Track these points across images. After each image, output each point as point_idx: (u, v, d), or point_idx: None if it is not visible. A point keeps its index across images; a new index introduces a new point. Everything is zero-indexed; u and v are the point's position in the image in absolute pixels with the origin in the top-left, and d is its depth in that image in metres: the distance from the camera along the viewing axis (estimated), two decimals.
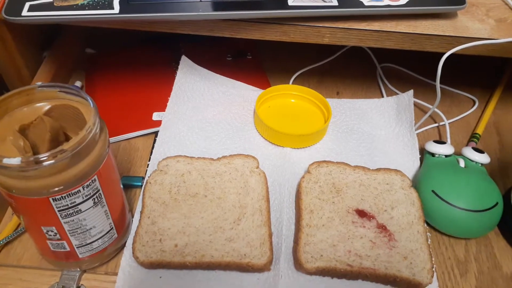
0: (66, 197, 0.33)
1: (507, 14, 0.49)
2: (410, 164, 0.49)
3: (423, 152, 0.50)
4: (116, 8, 0.44)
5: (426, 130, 0.56)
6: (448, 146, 0.48)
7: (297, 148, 0.52)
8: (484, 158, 0.47)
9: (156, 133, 0.51)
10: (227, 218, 0.43)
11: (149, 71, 0.60)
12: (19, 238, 0.43)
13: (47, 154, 0.31)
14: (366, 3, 0.46)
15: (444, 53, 0.46)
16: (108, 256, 0.41)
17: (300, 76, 0.63)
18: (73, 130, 0.35)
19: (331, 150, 0.51)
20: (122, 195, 0.41)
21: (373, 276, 0.40)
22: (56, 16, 0.43)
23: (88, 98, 0.35)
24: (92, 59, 0.63)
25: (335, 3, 0.46)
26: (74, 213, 0.34)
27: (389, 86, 0.61)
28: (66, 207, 0.34)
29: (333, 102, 0.56)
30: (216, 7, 0.45)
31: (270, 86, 0.56)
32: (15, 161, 0.30)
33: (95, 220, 0.36)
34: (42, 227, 0.35)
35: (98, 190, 0.35)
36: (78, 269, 0.40)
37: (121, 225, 0.40)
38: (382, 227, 0.42)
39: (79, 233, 0.36)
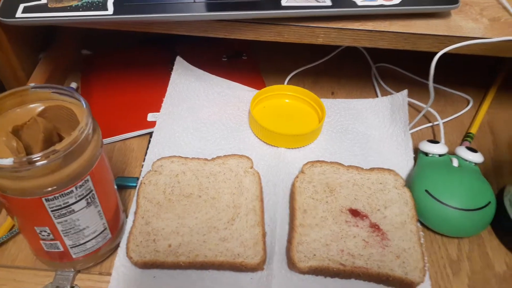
0: (59, 197, 0.33)
1: (501, 13, 0.49)
2: (404, 164, 0.49)
3: (417, 151, 0.50)
4: (110, 9, 0.44)
5: (420, 129, 0.57)
6: (442, 145, 0.48)
7: (292, 148, 0.52)
8: (477, 158, 0.47)
9: (151, 134, 0.52)
10: (221, 218, 0.43)
11: (145, 72, 0.61)
12: (13, 239, 0.43)
13: (39, 154, 0.31)
14: (359, 3, 0.46)
15: (437, 53, 0.46)
16: (102, 256, 0.41)
17: (295, 76, 0.63)
18: (66, 131, 0.35)
19: (325, 150, 0.52)
20: (116, 195, 0.41)
21: (365, 275, 0.40)
22: (50, 18, 0.43)
23: (81, 99, 0.35)
24: (88, 60, 0.63)
25: (329, 3, 0.46)
26: (67, 213, 0.35)
27: (384, 86, 0.62)
28: (59, 207, 0.34)
29: (327, 102, 0.57)
30: (210, 7, 0.45)
31: (265, 87, 0.57)
32: (8, 161, 0.30)
33: (88, 220, 0.36)
34: (36, 228, 0.35)
35: (91, 191, 0.35)
36: (72, 270, 0.40)
37: (115, 225, 0.41)
38: (375, 227, 0.43)
39: (72, 233, 0.36)
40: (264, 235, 0.42)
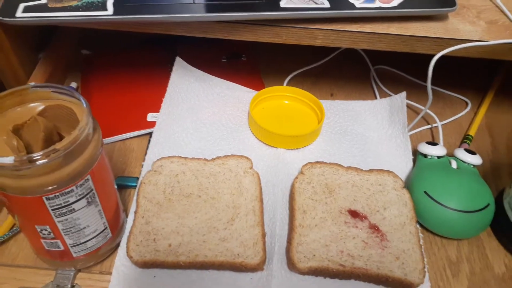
0: (60, 196, 0.33)
1: (498, 16, 0.49)
2: (403, 165, 0.50)
3: (416, 153, 0.51)
4: (110, 9, 0.44)
5: (419, 131, 0.57)
6: (441, 147, 0.49)
7: (291, 149, 0.52)
8: (476, 160, 0.47)
9: (150, 134, 0.52)
10: (220, 218, 0.43)
11: (145, 72, 0.61)
12: (14, 237, 0.43)
13: (40, 153, 0.31)
14: (357, 5, 0.46)
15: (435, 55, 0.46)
16: (102, 255, 0.41)
17: (295, 77, 0.63)
18: (66, 130, 0.35)
19: (324, 151, 0.52)
20: (116, 195, 0.41)
21: (365, 276, 0.40)
22: (50, 18, 0.44)
23: (81, 98, 0.35)
24: (88, 60, 0.63)
25: (327, 5, 0.46)
26: (67, 212, 0.35)
27: (383, 88, 0.62)
28: (60, 206, 0.34)
29: (326, 104, 0.57)
30: (209, 9, 0.45)
31: (264, 88, 0.57)
32: (9, 160, 0.30)
33: (88, 219, 0.37)
34: (36, 226, 0.35)
35: (92, 190, 0.35)
36: (73, 268, 0.40)
37: (115, 224, 0.41)
38: (374, 228, 0.43)
39: (73, 232, 0.36)
40: (263, 235, 0.42)
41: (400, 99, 0.54)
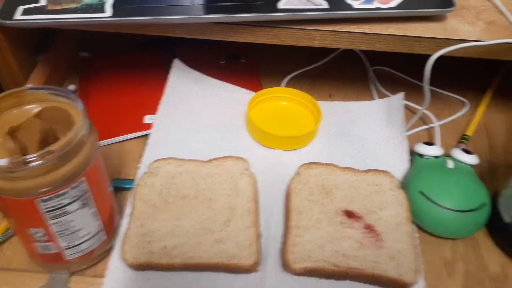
0: (54, 198, 0.33)
1: (497, 17, 0.49)
2: (400, 166, 0.50)
3: (413, 153, 0.50)
4: (109, 11, 0.44)
5: (417, 132, 0.56)
6: (437, 147, 0.48)
7: (288, 150, 0.52)
8: (472, 159, 0.47)
9: (147, 136, 0.52)
10: (216, 219, 0.43)
11: (143, 74, 0.61)
12: (9, 240, 0.43)
13: (35, 155, 0.31)
14: (356, 6, 0.46)
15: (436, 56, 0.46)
16: (96, 258, 0.41)
17: (293, 78, 0.63)
18: (62, 132, 0.35)
19: (321, 152, 0.52)
20: (111, 197, 0.41)
21: (360, 276, 0.40)
22: (49, 20, 0.44)
23: (77, 100, 0.35)
24: (87, 62, 0.63)
25: (325, 6, 0.46)
26: (61, 215, 0.35)
27: (381, 88, 0.62)
28: (54, 208, 0.34)
29: (324, 105, 0.57)
30: (208, 10, 0.45)
31: (262, 89, 0.57)
32: (2, 162, 0.31)
33: (83, 221, 0.37)
34: (30, 229, 0.35)
35: (86, 192, 0.35)
36: (67, 271, 0.40)
37: (110, 227, 0.41)
38: (370, 228, 0.43)
39: (67, 235, 0.36)
40: (259, 236, 0.42)
41: (398, 99, 0.54)
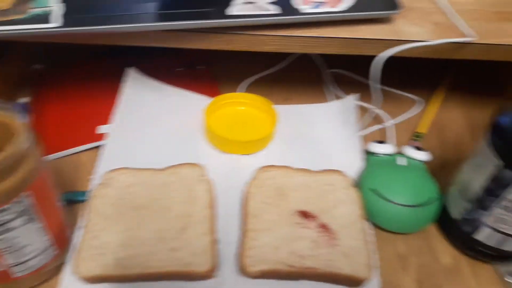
0: None
1: (442, 18, 0.50)
2: (354, 165, 0.51)
3: (367, 152, 0.51)
4: (58, 21, 0.43)
5: (372, 131, 0.57)
6: (389, 145, 0.50)
7: (246, 155, 0.52)
8: (423, 156, 0.49)
9: (102, 147, 0.51)
10: (171, 228, 0.43)
11: (99, 84, 0.60)
12: None
13: None
14: (305, 11, 0.47)
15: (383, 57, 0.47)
16: (48, 273, 0.40)
17: (252, 83, 0.64)
18: (1, 146, 0.34)
19: (278, 155, 0.52)
20: (61, 210, 0.40)
21: (315, 275, 0.40)
22: None
23: (19, 113, 0.35)
24: (41, 75, 0.62)
25: (276, 11, 0.47)
26: (4, 231, 0.34)
27: (337, 91, 0.63)
28: None
29: (281, 108, 0.57)
30: (158, 18, 0.45)
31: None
32: None
33: (29, 237, 0.36)
34: None
35: (31, 207, 0.35)
36: None
37: (61, 241, 0.40)
38: (324, 227, 0.43)
39: (12, 252, 0.35)
40: (215, 242, 0.42)
41: (351, 100, 0.55)
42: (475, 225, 0.43)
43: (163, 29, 0.46)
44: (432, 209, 0.45)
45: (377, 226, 0.47)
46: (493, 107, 0.42)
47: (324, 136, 0.54)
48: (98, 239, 0.42)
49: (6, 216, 0.33)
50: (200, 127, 0.55)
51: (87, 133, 0.53)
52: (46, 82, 0.60)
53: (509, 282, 0.44)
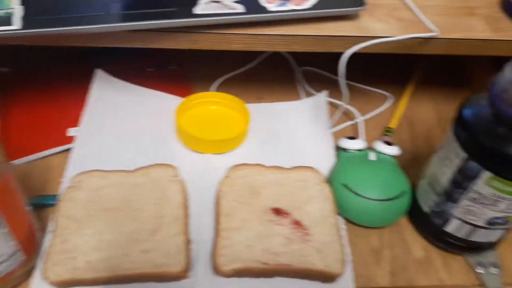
0: None
1: (407, 14, 0.51)
2: (326, 161, 0.51)
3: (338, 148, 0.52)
4: (18, 24, 0.43)
5: (343, 128, 0.58)
6: (359, 141, 0.50)
7: (219, 154, 0.52)
8: (393, 150, 0.49)
9: (71, 149, 0.50)
10: (143, 229, 0.42)
11: (68, 87, 0.59)
12: None
13: None
14: (271, 9, 0.47)
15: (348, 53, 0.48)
16: (17, 279, 0.39)
17: (224, 82, 0.63)
18: None
19: (251, 153, 0.52)
20: (29, 215, 0.39)
21: (288, 271, 0.41)
22: None
23: None
24: (7, 78, 0.61)
25: (241, 10, 0.47)
26: None
27: (310, 88, 0.63)
28: None
29: (253, 107, 0.57)
30: (123, 18, 0.45)
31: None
32: None
33: None
34: None
35: None
36: None
37: (30, 246, 0.39)
38: (297, 223, 0.44)
39: None
40: (188, 242, 0.42)
41: (322, 98, 0.55)
42: (445, 217, 0.44)
43: (127, 30, 0.45)
44: (403, 203, 0.46)
45: (349, 221, 0.47)
46: (460, 100, 0.43)
47: (296, 133, 0.55)
48: (68, 242, 0.41)
49: None
50: (172, 128, 0.54)
51: (56, 136, 0.52)
52: (13, 85, 0.59)
53: (480, 272, 0.45)
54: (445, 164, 0.42)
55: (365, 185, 0.45)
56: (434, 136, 0.59)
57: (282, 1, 0.47)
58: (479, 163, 0.38)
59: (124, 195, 0.45)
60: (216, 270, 0.41)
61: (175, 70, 0.65)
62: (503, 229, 0.42)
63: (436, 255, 0.46)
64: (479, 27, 0.49)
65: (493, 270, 0.45)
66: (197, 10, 0.46)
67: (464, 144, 0.39)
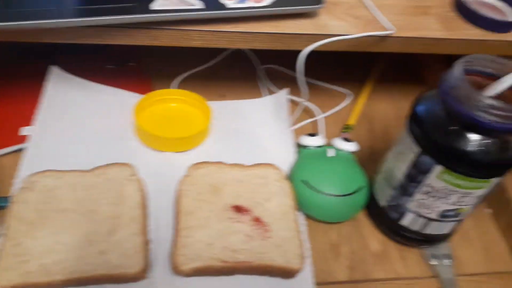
0: None
1: (364, 12, 0.52)
2: (287, 158, 0.51)
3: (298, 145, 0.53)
4: None
5: (304, 125, 0.58)
6: (319, 138, 0.51)
7: (179, 152, 0.52)
8: (351, 147, 0.50)
9: (24, 149, 0.49)
10: (99, 230, 0.41)
11: (22, 85, 0.57)
12: None
13: None
14: (230, 5, 0.47)
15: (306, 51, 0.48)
16: None
17: (186, 80, 0.63)
18: None
19: (212, 151, 0.52)
20: None
21: (248, 268, 0.41)
22: None
23: None
24: None
25: (200, 6, 0.46)
26: None
27: (271, 86, 0.63)
28: None
29: (215, 104, 0.57)
30: (78, 13, 0.43)
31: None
32: None
33: None
34: None
35: None
36: None
37: None
38: (257, 220, 0.44)
39: None
40: (146, 243, 0.41)
41: (282, 95, 0.56)
42: (400, 211, 0.45)
43: (81, 25, 0.44)
44: (360, 198, 0.47)
45: (309, 217, 0.48)
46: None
47: (258, 131, 0.55)
48: (21, 246, 0.39)
49: None
50: (130, 126, 0.53)
51: (8, 135, 0.50)
52: None
53: (434, 264, 0.46)
54: (400, 159, 0.43)
55: (324, 181, 0.46)
56: (392, 132, 0.60)
57: None
58: (431, 157, 0.40)
59: (80, 195, 0.44)
60: (175, 269, 0.40)
61: (135, 67, 0.63)
62: (454, 221, 0.44)
63: (392, 248, 0.48)
64: (433, 26, 0.51)
65: (446, 262, 0.46)
66: (155, 5, 0.45)
67: (418, 139, 0.41)
